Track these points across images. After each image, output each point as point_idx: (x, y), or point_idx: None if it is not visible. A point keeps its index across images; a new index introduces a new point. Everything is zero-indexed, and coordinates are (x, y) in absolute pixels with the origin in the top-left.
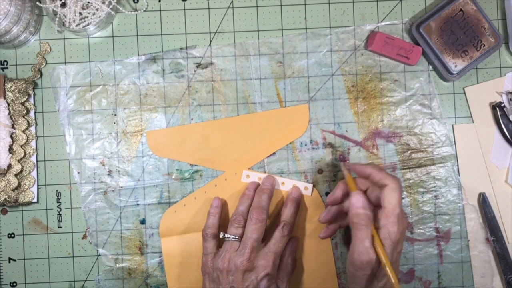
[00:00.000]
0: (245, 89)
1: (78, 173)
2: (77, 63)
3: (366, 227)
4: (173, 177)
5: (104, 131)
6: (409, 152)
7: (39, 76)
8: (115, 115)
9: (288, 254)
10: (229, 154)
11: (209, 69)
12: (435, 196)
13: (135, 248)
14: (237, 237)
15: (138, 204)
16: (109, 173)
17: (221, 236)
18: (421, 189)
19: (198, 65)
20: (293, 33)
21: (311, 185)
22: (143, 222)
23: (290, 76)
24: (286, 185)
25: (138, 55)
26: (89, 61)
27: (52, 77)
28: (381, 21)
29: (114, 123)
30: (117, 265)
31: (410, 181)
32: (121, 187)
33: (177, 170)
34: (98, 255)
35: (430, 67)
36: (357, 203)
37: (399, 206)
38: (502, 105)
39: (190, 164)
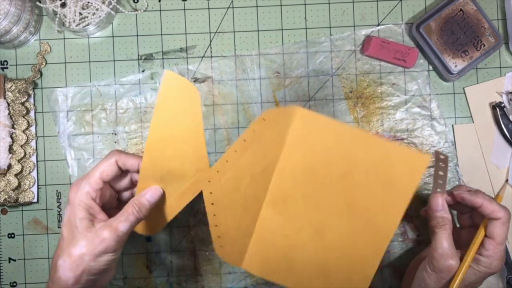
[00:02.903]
0: (244, 101)
1: None
2: (76, 86)
3: (444, 228)
4: None
5: (105, 151)
6: None
7: (39, 76)
8: (115, 134)
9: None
10: None
11: (206, 83)
12: None
13: (142, 266)
14: None
15: None
16: None
17: None
18: (425, 191)
19: (196, 80)
20: (290, 43)
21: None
22: (149, 239)
23: (288, 86)
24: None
25: (138, 55)
26: (90, 82)
27: (50, 100)
28: (381, 22)
29: (115, 142)
30: (126, 284)
31: None
32: None
33: None
34: None
35: (429, 68)
36: (436, 206)
37: (506, 239)
38: (502, 105)
39: None
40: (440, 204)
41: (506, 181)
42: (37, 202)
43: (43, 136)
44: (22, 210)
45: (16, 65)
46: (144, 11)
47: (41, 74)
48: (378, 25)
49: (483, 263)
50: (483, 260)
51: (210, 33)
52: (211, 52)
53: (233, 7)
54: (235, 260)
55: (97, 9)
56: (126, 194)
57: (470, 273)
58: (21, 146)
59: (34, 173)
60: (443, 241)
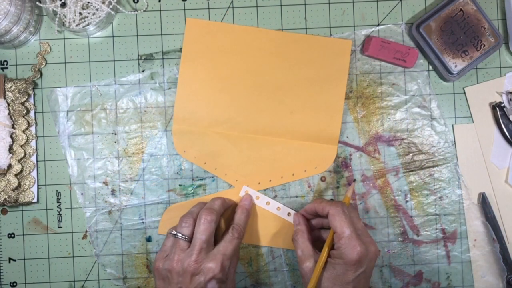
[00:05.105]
0: None
1: (82, 194)
2: (75, 86)
3: (296, 239)
4: (177, 193)
5: (105, 151)
6: (411, 155)
7: (39, 76)
8: (115, 134)
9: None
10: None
11: None
12: (440, 198)
13: (142, 266)
14: (186, 237)
15: (143, 222)
16: (113, 192)
17: (173, 232)
18: (425, 191)
19: None
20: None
21: (294, 212)
22: (149, 240)
23: None
24: (282, 210)
25: (138, 55)
26: (90, 82)
27: (50, 100)
28: (381, 22)
29: (115, 142)
30: (126, 284)
31: (414, 184)
32: (125, 206)
33: (180, 185)
34: (98, 255)
35: (429, 68)
36: (294, 222)
37: (348, 227)
38: (502, 105)
39: (193, 179)
40: (296, 220)
41: (354, 180)
42: (37, 202)
43: (43, 136)
44: (22, 210)
45: (16, 65)
46: (144, 11)
47: (41, 74)
48: (378, 25)
49: (335, 255)
50: (335, 253)
51: None
52: None
53: (233, 7)
54: None
55: (97, 9)
56: None
57: (330, 268)
58: (21, 146)
59: (34, 173)
60: (298, 251)
